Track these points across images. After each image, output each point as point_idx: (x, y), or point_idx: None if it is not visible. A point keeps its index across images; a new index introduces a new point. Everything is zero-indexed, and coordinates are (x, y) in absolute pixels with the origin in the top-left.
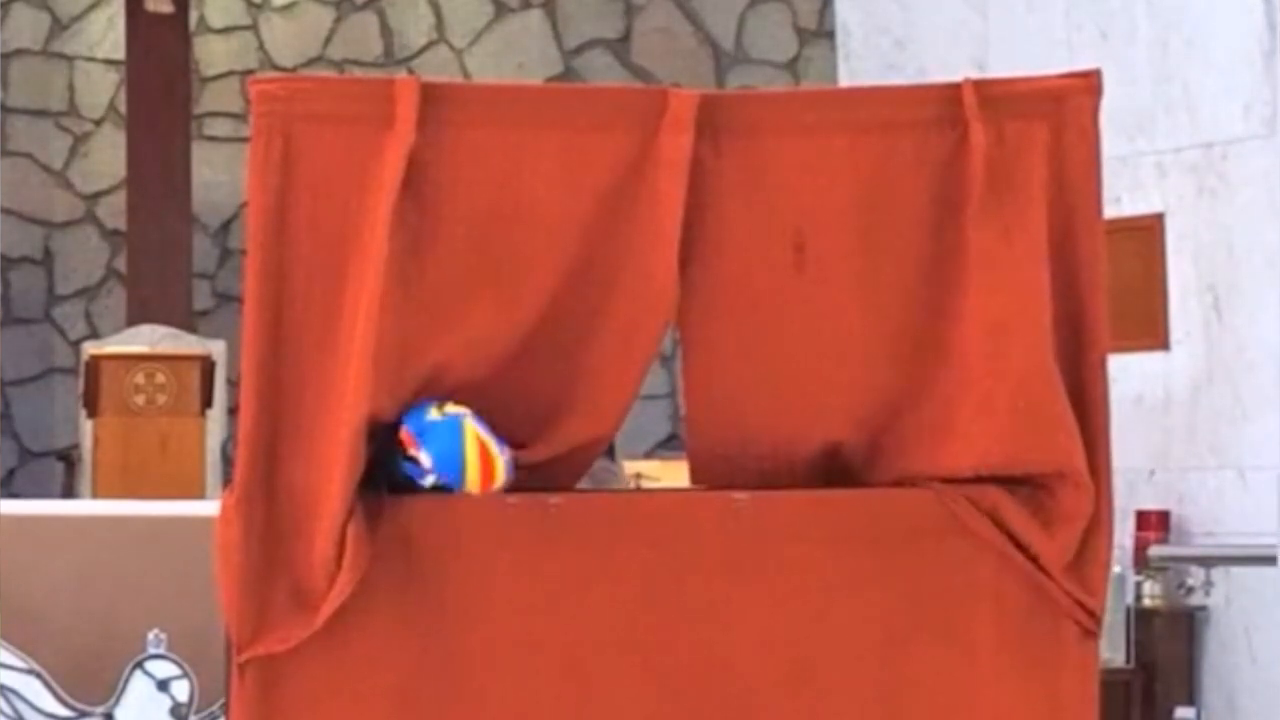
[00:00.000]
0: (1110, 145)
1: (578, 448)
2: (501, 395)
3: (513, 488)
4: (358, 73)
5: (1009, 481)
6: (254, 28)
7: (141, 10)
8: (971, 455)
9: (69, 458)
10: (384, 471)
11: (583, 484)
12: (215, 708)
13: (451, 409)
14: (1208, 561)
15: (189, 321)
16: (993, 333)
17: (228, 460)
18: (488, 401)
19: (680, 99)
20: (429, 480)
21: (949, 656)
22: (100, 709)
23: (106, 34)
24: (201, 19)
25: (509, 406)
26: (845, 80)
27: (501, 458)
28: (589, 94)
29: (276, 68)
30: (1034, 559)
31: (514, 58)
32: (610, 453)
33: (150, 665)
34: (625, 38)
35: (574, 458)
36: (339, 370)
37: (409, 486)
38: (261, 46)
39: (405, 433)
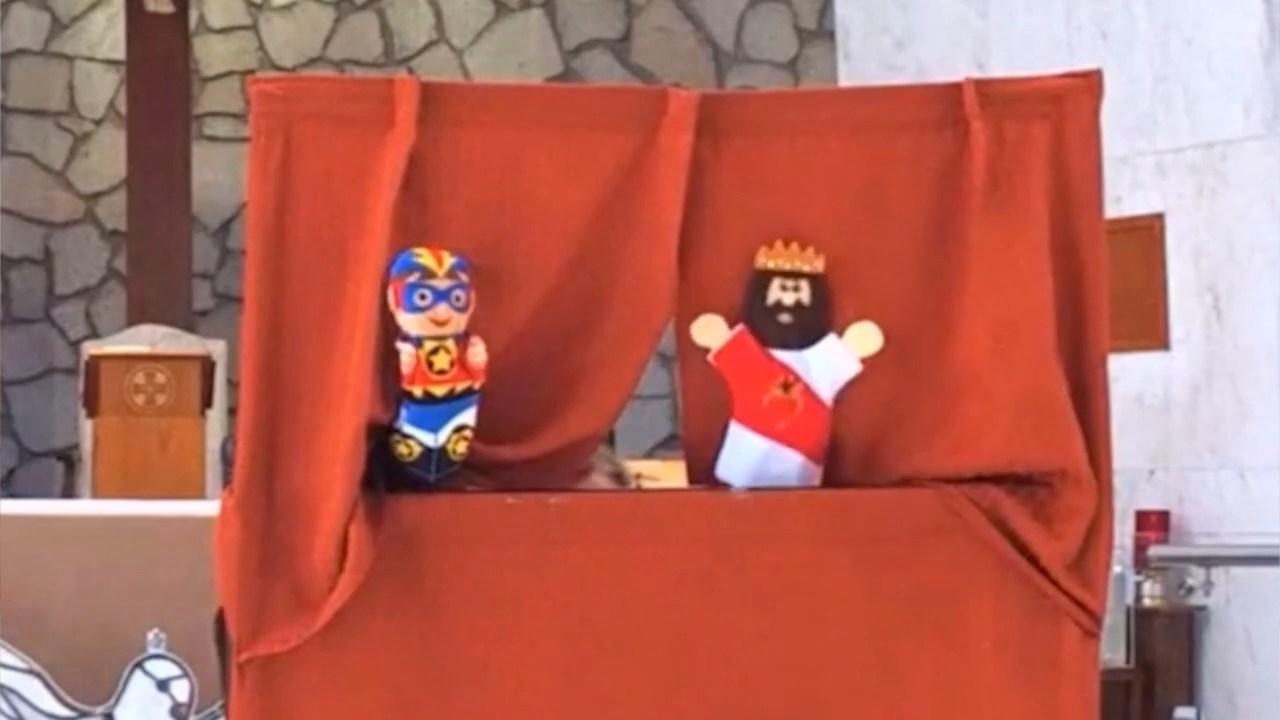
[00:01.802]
0: (1110, 145)
1: (573, 444)
2: (498, 391)
3: (512, 487)
4: (358, 73)
5: (1012, 481)
6: (254, 28)
7: (141, 10)
8: (977, 455)
9: (69, 458)
10: (382, 471)
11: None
12: (215, 708)
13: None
14: (1208, 561)
15: (189, 321)
16: (996, 333)
17: (228, 460)
18: (484, 397)
19: (680, 99)
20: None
21: (949, 657)
22: (100, 709)
23: (106, 34)
24: (201, 19)
25: (505, 402)
26: (845, 80)
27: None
28: (589, 94)
29: (276, 68)
30: (1035, 559)
31: (514, 58)
32: (610, 445)
33: (150, 665)
34: (625, 38)
35: (569, 453)
36: (339, 370)
37: (408, 485)
38: (261, 46)
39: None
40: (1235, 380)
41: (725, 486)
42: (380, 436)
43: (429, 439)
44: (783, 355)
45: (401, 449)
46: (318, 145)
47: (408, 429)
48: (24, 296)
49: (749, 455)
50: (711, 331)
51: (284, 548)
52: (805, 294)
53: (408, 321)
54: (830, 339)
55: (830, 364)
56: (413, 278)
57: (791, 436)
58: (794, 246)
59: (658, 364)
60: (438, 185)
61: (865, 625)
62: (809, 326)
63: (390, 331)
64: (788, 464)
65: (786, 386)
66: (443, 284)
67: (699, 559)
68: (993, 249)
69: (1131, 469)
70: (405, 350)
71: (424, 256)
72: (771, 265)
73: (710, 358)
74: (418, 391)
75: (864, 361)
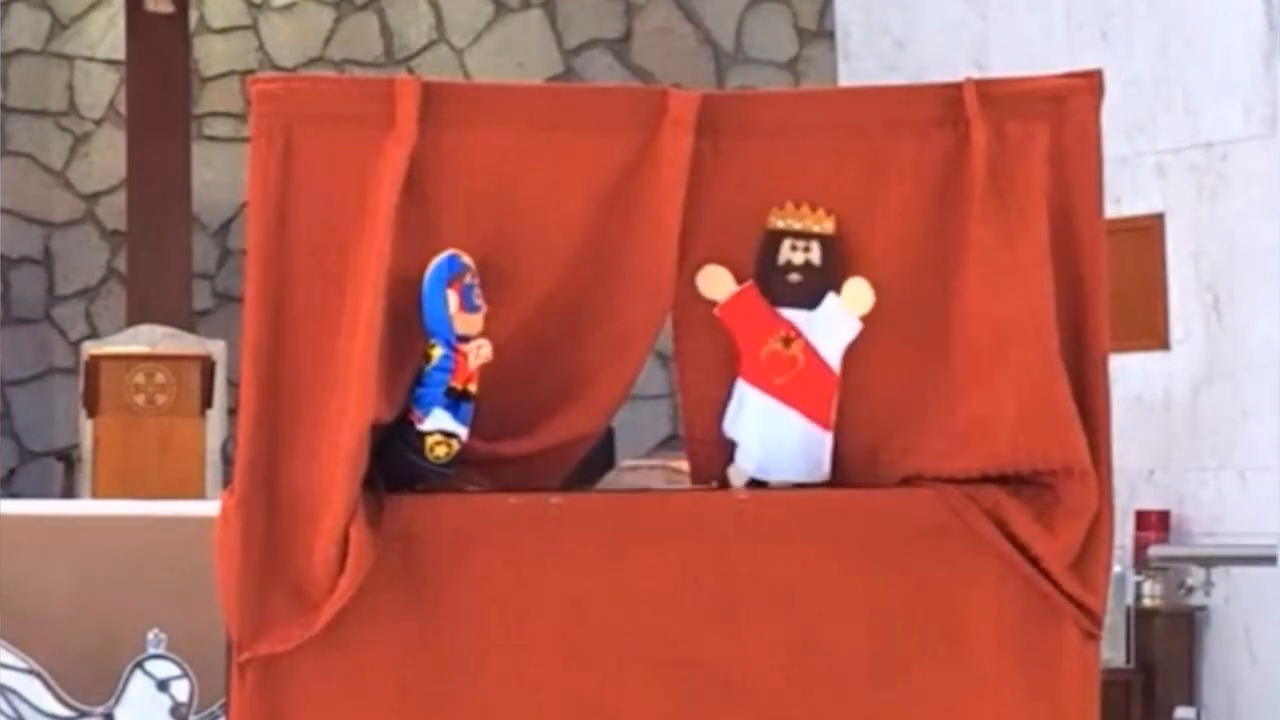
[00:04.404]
0: (1110, 145)
1: (571, 440)
2: (497, 389)
3: (509, 483)
4: (358, 73)
5: (1014, 480)
6: (254, 28)
7: (141, 10)
8: (982, 454)
9: (69, 458)
10: (381, 471)
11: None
12: (215, 708)
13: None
14: (1208, 561)
15: (189, 321)
16: (998, 332)
17: (228, 460)
18: (483, 394)
19: (680, 99)
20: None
21: (949, 656)
22: (100, 709)
23: (106, 34)
24: (201, 19)
25: (504, 399)
26: (845, 80)
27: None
28: (589, 94)
29: (276, 68)
30: (1036, 559)
31: (514, 58)
32: (610, 447)
33: (150, 665)
34: (625, 38)
35: (565, 450)
36: (339, 371)
37: (408, 482)
38: (261, 46)
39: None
40: (1235, 380)
41: (727, 468)
42: (380, 437)
43: (463, 434)
44: (790, 314)
45: (440, 450)
46: (318, 145)
47: (453, 427)
48: (24, 296)
49: (751, 412)
50: (717, 283)
51: (284, 548)
52: (815, 254)
53: (468, 322)
54: (830, 298)
55: (833, 324)
56: (469, 278)
57: (790, 394)
58: (804, 208)
59: (657, 364)
60: (438, 185)
61: (866, 625)
62: (818, 287)
63: (395, 332)
64: (787, 424)
65: (787, 341)
66: (477, 284)
67: (699, 559)
68: (993, 248)
69: (1131, 469)
70: (464, 349)
71: (465, 257)
72: (782, 225)
73: (716, 310)
74: (472, 389)
75: (867, 364)
